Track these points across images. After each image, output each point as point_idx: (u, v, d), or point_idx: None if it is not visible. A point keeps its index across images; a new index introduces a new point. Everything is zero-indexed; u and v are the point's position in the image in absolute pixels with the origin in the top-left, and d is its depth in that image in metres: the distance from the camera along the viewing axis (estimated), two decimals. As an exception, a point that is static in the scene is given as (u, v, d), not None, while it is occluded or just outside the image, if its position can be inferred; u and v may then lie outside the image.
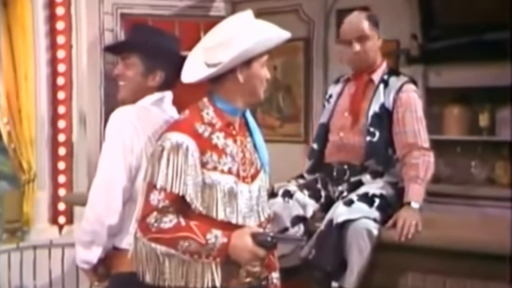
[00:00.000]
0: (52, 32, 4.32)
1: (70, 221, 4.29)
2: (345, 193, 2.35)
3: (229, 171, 1.69)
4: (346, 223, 2.17)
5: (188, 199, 1.64)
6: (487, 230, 2.33)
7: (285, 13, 4.19)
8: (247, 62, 1.70)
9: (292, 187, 2.40)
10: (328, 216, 2.25)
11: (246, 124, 1.80)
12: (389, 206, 2.28)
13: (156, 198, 1.63)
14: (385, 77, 2.43)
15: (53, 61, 4.33)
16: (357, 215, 2.18)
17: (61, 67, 4.33)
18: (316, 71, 4.31)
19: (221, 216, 1.66)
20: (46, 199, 4.29)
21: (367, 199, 2.25)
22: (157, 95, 1.98)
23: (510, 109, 3.64)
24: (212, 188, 1.66)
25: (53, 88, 4.32)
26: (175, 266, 1.64)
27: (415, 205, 2.22)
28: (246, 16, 1.75)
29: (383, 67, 2.46)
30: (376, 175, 2.36)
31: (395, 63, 3.79)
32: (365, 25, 2.40)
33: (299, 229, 2.30)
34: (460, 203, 2.26)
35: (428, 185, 2.32)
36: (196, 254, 1.62)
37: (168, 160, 1.64)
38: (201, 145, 1.67)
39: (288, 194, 2.35)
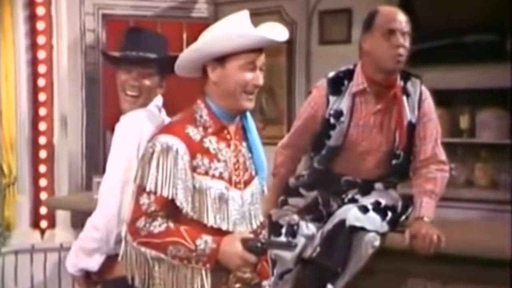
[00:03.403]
0: (32, 32, 4.25)
1: (52, 225, 4.22)
2: (350, 195, 2.28)
3: (220, 176, 1.67)
4: (360, 230, 2.14)
5: (178, 203, 1.62)
6: (484, 234, 2.35)
7: (267, 15, 4.18)
8: (221, 62, 1.65)
9: (294, 218, 2.24)
10: (338, 217, 2.18)
11: (244, 127, 1.76)
12: (399, 219, 2.26)
13: (145, 201, 1.62)
14: (402, 83, 2.24)
15: (33, 62, 4.25)
16: (372, 227, 2.15)
17: (42, 68, 4.26)
18: (298, 73, 4.33)
19: (211, 222, 1.65)
20: (27, 203, 4.21)
21: (380, 210, 2.20)
22: (159, 97, 1.99)
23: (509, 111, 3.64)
24: (202, 193, 1.64)
25: (34, 89, 4.25)
26: (165, 271, 1.63)
27: (427, 220, 2.17)
28: (232, 16, 1.70)
29: (398, 73, 2.23)
30: (389, 185, 2.32)
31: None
32: (408, 22, 2.15)
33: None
34: (440, 206, 2.27)
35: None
36: (186, 260, 1.61)
37: (158, 163, 1.62)
38: (191, 148, 1.64)
39: (291, 232, 2.21)
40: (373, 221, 2.17)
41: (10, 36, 4.25)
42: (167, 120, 1.95)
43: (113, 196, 1.81)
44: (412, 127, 2.25)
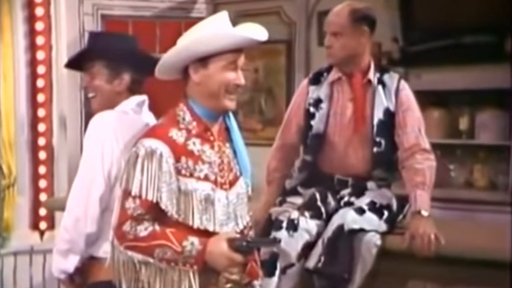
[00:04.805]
0: (31, 33, 4.25)
1: (51, 226, 4.22)
2: (346, 198, 2.30)
3: (206, 178, 1.68)
4: (359, 232, 2.16)
5: (163, 206, 1.63)
6: (483, 235, 2.36)
7: (266, 15, 4.19)
8: (203, 62, 1.67)
9: (294, 213, 2.25)
10: (336, 222, 2.20)
11: (227, 128, 1.78)
12: (396, 217, 2.28)
13: (131, 205, 1.63)
14: (378, 75, 2.34)
15: (32, 63, 4.25)
16: (370, 227, 2.18)
17: (41, 69, 4.26)
18: (298, 73, 4.31)
19: (197, 223, 1.66)
20: (26, 204, 4.21)
21: (376, 210, 2.23)
22: (135, 98, 1.97)
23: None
24: (188, 195, 1.66)
25: (33, 90, 4.25)
26: (152, 274, 1.64)
27: (425, 213, 2.17)
28: (213, 16, 1.73)
29: (372, 65, 2.35)
30: (381, 182, 2.34)
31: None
32: (344, 20, 2.28)
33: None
34: (439, 207, 2.28)
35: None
36: (173, 262, 1.62)
37: (142, 166, 1.63)
38: (175, 151, 1.66)
39: (292, 226, 2.22)
40: (370, 221, 2.19)
41: (8, 36, 4.25)
42: (150, 119, 1.96)
43: (79, 197, 1.84)
44: (390, 114, 2.30)
